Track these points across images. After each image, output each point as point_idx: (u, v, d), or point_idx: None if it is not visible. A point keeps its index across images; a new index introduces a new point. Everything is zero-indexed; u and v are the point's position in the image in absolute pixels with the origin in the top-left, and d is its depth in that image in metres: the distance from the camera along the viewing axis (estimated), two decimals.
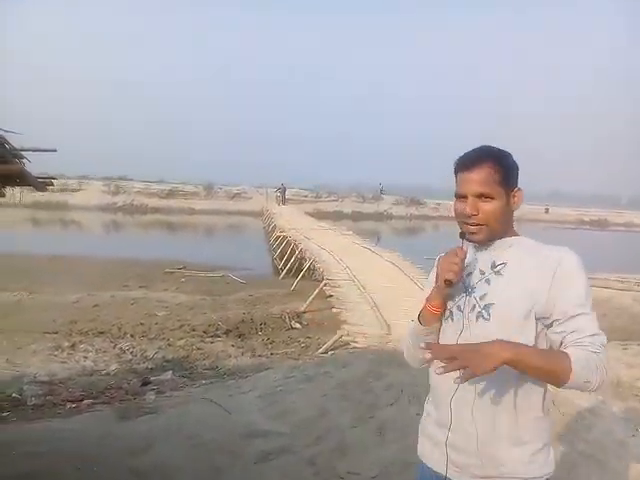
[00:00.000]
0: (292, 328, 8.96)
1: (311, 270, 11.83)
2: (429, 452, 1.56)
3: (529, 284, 1.40)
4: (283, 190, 37.61)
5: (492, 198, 1.45)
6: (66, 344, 6.95)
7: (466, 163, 1.48)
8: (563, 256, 1.41)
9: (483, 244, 1.51)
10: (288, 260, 14.52)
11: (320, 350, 6.64)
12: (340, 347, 6.02)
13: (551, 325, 1.38)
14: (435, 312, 1.49)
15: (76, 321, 8.57)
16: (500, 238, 1.50)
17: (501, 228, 1.49)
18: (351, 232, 18.33)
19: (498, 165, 1.47)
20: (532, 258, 1.44)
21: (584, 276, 1.39)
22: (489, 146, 1.52)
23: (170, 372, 5.74)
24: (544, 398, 1.44)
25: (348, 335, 5.77)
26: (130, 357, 6.59)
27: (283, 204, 35.92)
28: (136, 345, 7.06)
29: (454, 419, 1.46)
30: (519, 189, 1.50)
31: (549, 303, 1.37)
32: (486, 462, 1.44)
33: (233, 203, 46.98)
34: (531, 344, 1.36)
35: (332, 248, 12.99)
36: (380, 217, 48.69)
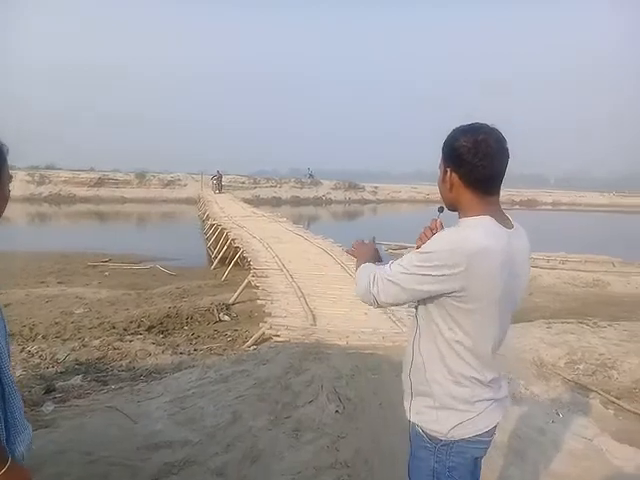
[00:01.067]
0: (220, 321, 8.63)
1: (243, 259, 11.51)
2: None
3: None
4: (219, 177, 36.49)
5: (438, 175, 1.67)
6: None
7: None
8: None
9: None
10: (221, 249, 14.10)
11: (247, 343, 6.38)
12: (265, 341, 5.77)
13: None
14: None
15: None
16: (460, 217, 1.62)
17: (445, 201, 1.67)
18: (285, 218, 18.02)
19: (442, 145, 1.63)
20: None
21: (435, 244, 1.55)
22: (464, 126, 1.60)
23: (79, 376, 5.31)
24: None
25: (271, 329, 5.52)
26: (38, 361, 6.07)
27: (219, 191, 35.04)
28: (47, 347, 6.53)
29: None
30: (447, 169, 1.61)
31: None
32: None
33: (167, 191, 45.67)
34: None
35: (263, 235, 12.67)
36: (319, 202, 48.65)
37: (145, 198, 42.52)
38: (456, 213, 1.67)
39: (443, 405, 1.61)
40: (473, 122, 1.59)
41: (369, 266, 1.76)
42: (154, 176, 46.87)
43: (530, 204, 57.33)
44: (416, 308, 1.70)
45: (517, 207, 54.89)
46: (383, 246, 17.33)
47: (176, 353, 6.55)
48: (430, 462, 1.66)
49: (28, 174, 46.13)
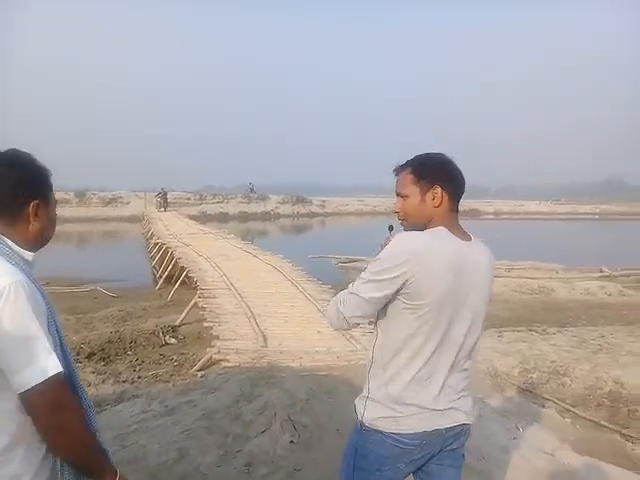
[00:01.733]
0: (166, 344, 8.23)
1: (189, 278, 11.11)
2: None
3: None
4: (164, 194, 35.53)
5: (407, 197, 1.78)
6: None
7: (395, 170, 1.84)
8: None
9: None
10: (165, 269, 13.62)
11: (195, 368, 6.06)
12: (213, 365, 5.47)
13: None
14: None
15: None
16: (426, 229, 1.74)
17: (418, 221, 1.76)
18: (232, 235, 17.67)
19: (416, 169, 1.77)
20: None
21: (383, 252, 1.69)
22: (425, 154, 1.81)
23: None
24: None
25: (219, 353, 5.22)
26: None
27: (164, 209, 33.97)
28: None
29: None
30: (436, 187, 1.73)
31: None
32: None
33: (109, 209, 44.28)
34: None
35: (210, 254, 12.30)
36: (267, 216, 48.31)
37: (86, 217, 41.00)
38: None
39: (371, 395, 1.74)
40: (432, 152, 1.83)
41: (339, 294, 1.82)
42: (94, 194, 45.38)
43: (473, 214, 58.88)
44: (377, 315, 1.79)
45: (461, 217, 56.21)
46: (333, 260, 17.25)
47: (118, 382, 6.16)
48: (353, 437, 1.82)
49: None
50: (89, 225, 38.29)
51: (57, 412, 1.31)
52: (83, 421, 1.40)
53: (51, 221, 1.51)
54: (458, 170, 1.78)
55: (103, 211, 43.16)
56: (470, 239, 1.77)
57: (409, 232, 1.74)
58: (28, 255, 1.44)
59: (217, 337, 5.93)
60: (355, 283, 1.73)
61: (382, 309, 1.72)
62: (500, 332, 8.49)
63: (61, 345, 1.40)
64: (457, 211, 1.78)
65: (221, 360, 5.10)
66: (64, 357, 1.40)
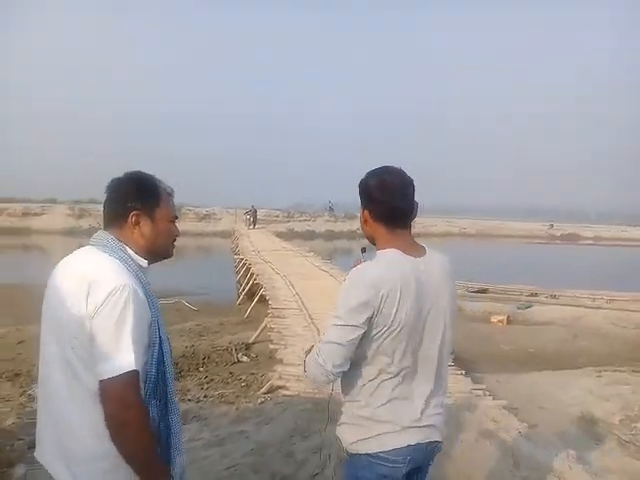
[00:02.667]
0: (238, 361, 8.12)
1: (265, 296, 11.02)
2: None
3: None
4: (254, 212, 35.39)
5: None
6: None
7: None
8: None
9: None
10: (247, 284, 13.67)
11: (262, 390, 5.83)
12: (279, 389, 5.19)
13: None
14: None
15: None
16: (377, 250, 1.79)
17: (367, 238, 1.85)
18: (312, 253, 17.53)
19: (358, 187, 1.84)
20: None
21: (344, 291, 1.70)
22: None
23: None
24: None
25: (280, 379, 4.94)
26: (36, 406, 5.66)
27: (253, 226, 34.00)
28: None
29: None
30: (363, 209, 1.81)
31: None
32: None
33: (203, 224, 45.95)
34: None
35: (287, 271, 12.17)
36: (353, 235, 48.16)
37: (181, 231, 42.76)
38: None
39: (350, 420, 1.75)
40: (382, 165, 1.81)
41: (313, 349, 1.80)
42: (190, 209, 47.25)
43: (571, 238, 55.53)
44: None
45: (558, 242, 53.19)
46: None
47: (184, 400, 6.04)
48: (346, 469, 1.82)
49: (68, 208, 47.27)
50: (183, 239, 39.75)
51: (122, 407, 1.44)
52: (145, 422, 1.49)
53: (159, 232, 1.67)
54: (386, 187, 1.75)
55: (197, 226, 44.82)
56: (424, 253, 1.79)
57: (363, 266, 1.75)
58: (143, 262, 1.63)
59: (280, 361, 5.66)
60: (328, 332, 1.72)
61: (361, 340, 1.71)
62: (599, 372, 7.61)
63: (161, 351, 1.55)
64: (404, 227, 1.79)
65: (281, 387, 4.81)
66: (160, 361, 1.54)
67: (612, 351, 9.58)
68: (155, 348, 1.53)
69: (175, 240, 1.78)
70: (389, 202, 1.74)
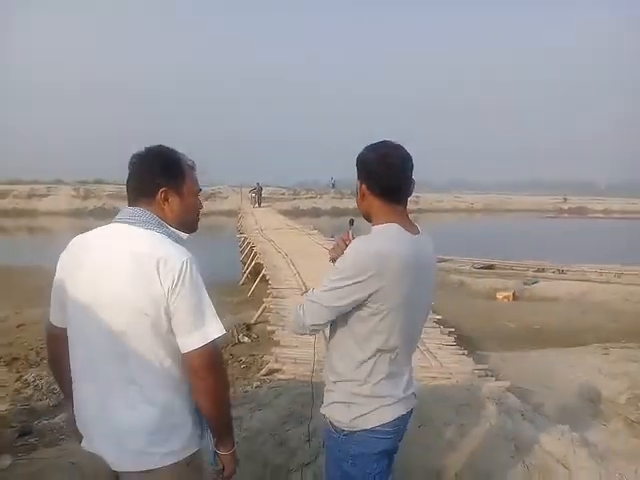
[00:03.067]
0: (239, 342, 8.03)
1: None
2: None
3: None
4: (259, 190, 34.69)
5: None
6: None
7: None
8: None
9: None
10: (250, 264, 13.55)
11: (261, 372, 5.71)
12: (277, 371, 5.06)
13: None
14: None
15: None
16: (373, 225, 1.78)
17: (362, 213, 1.84)
18: (316, 231, 17.35)
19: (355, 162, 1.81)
20: None
21: (346, 258, 1.70)
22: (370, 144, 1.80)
23: (64, 415, 4.74)
24: None
25: (276, 361, 4.81)
26: (32, 392, 5.59)
27: (258, 205, 33.33)
28: (46, 375, 6.05)
29: None
30: (359, 181, 1.80)
31: None
32: None
33: (209, 203, 45.86)
34: None
35: (289, 249, 12.01)
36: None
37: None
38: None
39: (345, 399, 1.74)
40: (379, 141, 1.77)
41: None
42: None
43: (580, 212, 55.00)
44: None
45: (566, 215, 52.67)
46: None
47: None
48: (335, 450, 1.81)
49: (73, 189, 47.26)
50: None
51: (212, 372, 1.53)
52: (228, 381, 1.64)
53: (187, 207, 1.70)
54: (386, 162, 1.73)
55: (203, 205, 44.70)
56: (418, 231, 1.80)
57: (363, 239, 1.72)
58: (184, 235, 1.69)
59: (277, 343, 5.53)
60: (315, 291, 1.74)
61: (350, 320, 1.72)
62: (606, 348, 7.44)
63: None
64: (399, 203, 1.77)
65: (277, 370, 4.68)
66: None
67: (620, 327, 9.40)
68: None
69: (199, 214, 1.82)
70: (389, 176, 1.73)
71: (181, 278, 1.49)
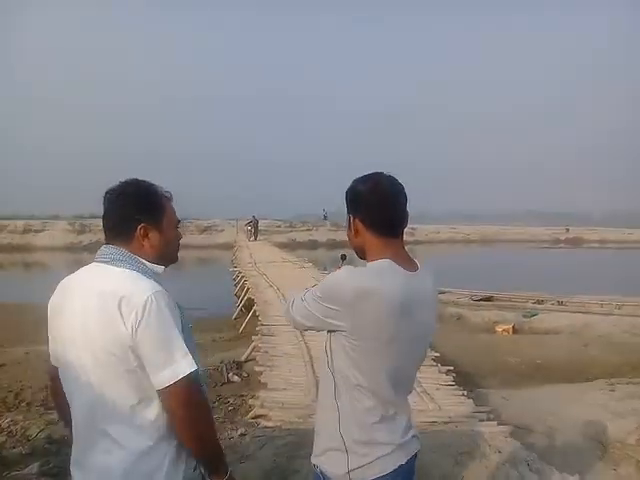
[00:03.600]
0: (229, 382, 7.69)
1: None
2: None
3: None
4: (255, 223, 33.01)
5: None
6: None
7: None
8: None
9: None
10: (243, 298, 13.27)
11: (249, 415, 5.39)
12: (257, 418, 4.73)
13: None
14: None
15: None
16: (369, 262, 1.67)
17: (356, 249, 1.74)
18: (311, 264, 17.11)
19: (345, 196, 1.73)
20: None
21: (333, 279, 1.62)
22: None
23: (36, 464, 4.41)
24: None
25: (262, 407, 4.49)
26: (4, 439, 5.22)
27: (254, 238, 31.87)
28: (21, 420, 5.69)
29: None
30: (350, 216, 1.71)
31: None
32: None
33: (204, 237, 45.69)
34: None
35: (282, 283, 11.73)
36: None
37: (182, 244, 42.45)
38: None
39: (340, 448, 1.62)
40: (370, 172, 1.70)
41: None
42: (191, 222, 46.95)
43: (576, 242, 54.92)
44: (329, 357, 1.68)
45: (562, 245, 52.60)
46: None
47: None
48: None
49: (69, 223, 47.11)
50: (184, 252, 39.22)
51: (187, 408, 1.49)
52: (211, 416, 1.60)
53: (167, 241, 1.67)
54: (379, 193, 1.66)
55: (198, 239, 44.48)
56: (416, 267, 1.70)
57: (349, 270, 1.62)
58: (159, 269, 1.65)
59: (265, 385, 5.22)
60: (307, 293, 1.69)
61: (336, 353, 1.63)
62: (612, 384, 7.14)
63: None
64: (395, 236, 1.68)
65: (262, 416, 4.36)
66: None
67: (625, 360, 9.09)
68: (189, 343, 1.55)
69: (179, 244, 1.77)
70: (382, 209, 1.65)
71: (145, 314, 1.45)
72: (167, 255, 1.69)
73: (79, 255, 38.76)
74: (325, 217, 52.67)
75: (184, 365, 1.48)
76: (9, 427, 5.59)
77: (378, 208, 1.65)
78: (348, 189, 1.71)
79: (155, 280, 1.57)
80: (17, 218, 48.15)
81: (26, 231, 45.53)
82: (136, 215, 1.62)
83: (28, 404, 6.62)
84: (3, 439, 5.29)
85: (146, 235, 1.63)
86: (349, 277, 1.59)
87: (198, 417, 1.51)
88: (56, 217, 50.84)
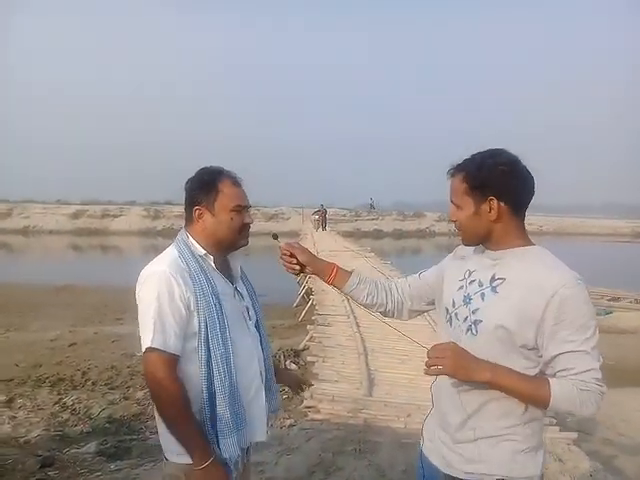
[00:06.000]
0: (286, 369, 7.69)
1: None
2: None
3: (521, 310, 1.41)
4: (323, 212, 30.65)
5: (460, 207, 1.53)
6: (3, 398, 5.89)
7: (449, 171, 1.57)
8: (561, 286, 1.39)
9: (483, 249, 1.56)
10: (304, 286, 13.30)
11: (303, 404, 5.35)
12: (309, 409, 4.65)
13: (541, 357, 1.43)
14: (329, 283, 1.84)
15: (41, 364, 7.55)
16: (506, 247, 1.50)
17: (475, 235, 1.54)
18: (373, 253, 16.87)
19: (469, 176, 1.50)
20: (532, 280, 1.42)
21: (582, 309, 1.40)
22: (483, 153, 1.51)
23: (94, 443, 4.56)
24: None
25: (312, 398, 4.41)
26: (67, 417, 5.44)
27: (323, 229, 29.38)
28: (85, 399, 5.93)
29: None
30: (492, 199, 1.47)
31: (538, 335, 1.40)
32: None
33: (271, 224, 46.25)
34: (517, 368, 1.43)
35: None
36: (422, 234, 46.94)
37: (250, 232, 43.21)
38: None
39: (530, 443, 1.48)
40: (496, 148, 1.53)
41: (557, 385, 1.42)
42: (258, 210, 47.64)
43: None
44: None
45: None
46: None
47: None
48: None
49: (144, 209, 48.99)
50: (250, 240, 40.12)
51: (151, 381, 1.60)
52: (173, 399, 1.59)
53: (220, 224, 1.75)
54: (522, 174, 1.50)
55: (265, 226, 45.11)
56: None
57: (568, 270, 1.46)
58: (201, 251, 1.74)
59: (316, 376, 5.14)
60: (583, 361, 1.40)
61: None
62: None
63: (208, 351, 1.64)
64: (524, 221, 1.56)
65: (312, 407, 4.28)
66: (208, 360, 1.64)
67: None
68: (201, 338, 1.63)
69: (244, 229, 1.80)
70: (531, 192, 1.52)
71: (138, 289, 1.66)
72: (220, 238, 1.76)
73: (153, 240, 40.26)
74: (372, 206, 51.93)
75: (148, 340, 1.60)
76: (73, 405, 5.84)
77: (527, 190, 1.52)
78: (487, 163, 1.49)
79: (198, 260, 1.70)
80: (96, 204, 50.51)
81: (104, 216, 47.65)
82: (193, 199, 1.76)
83: (93, 383, 6.86)
84: (67, 416, 5.53)
85: (200, 217, 1.75)
86: (577, 275, 1.45)
87: (158, 394, 1.60)
88: (132, 203, 52.93)
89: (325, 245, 19.38)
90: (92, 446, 4.53)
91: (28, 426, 5.12)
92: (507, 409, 1.47)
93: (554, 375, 1.42)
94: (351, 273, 1.84)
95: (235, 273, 1.86)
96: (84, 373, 7.22)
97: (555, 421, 4.33)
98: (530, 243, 1.53)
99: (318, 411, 4.12)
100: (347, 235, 32.07)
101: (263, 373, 1.84)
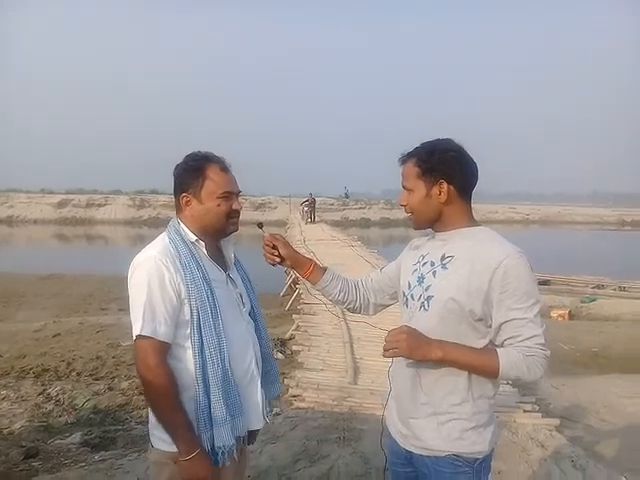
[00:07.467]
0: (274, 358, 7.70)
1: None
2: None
3: (469, 282, 1.51)
4: (312, 202, 28.37)
5: (411, 191, 1.64)
6: None
7: (401, 158, 1.68)
8: (505, 257, 1.50)
9: (434, 234, 1.68)
10: (291, 275, 13.28)
11: (288, 393, 5.36)
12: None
13: (489, 327, 1.54)
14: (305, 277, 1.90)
15: (25, 355, 7.48)
16: (454, 228, 1.61)
17: (426, 217, 1.64)
18: (359, 242, 16.91)
19: (421, 160, 1.61)
20: (478, 254, 1.53)
21: (525, 279, 1.51)
22: (433, 141, 1.63)
23: (79, 434, 4.53)
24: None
25: (297, 387, 4.43)
26: (52, 408, 5.41)
27: (312, 220, 27.33)
28: (70, 390, 5.89)
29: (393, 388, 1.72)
30: (442, 182, 1.58)
31: (486, 304, 1.51)
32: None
33: (258, 213, 46.10)
34: (467, 341, 1.53)
35: (329, 262, 11.61)
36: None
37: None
38: None
39: (478, 422, 1.58)
40: (441, 138, 1.65)
41: (505, 353, 1.52)
42: (246, 199, 47.49)
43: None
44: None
45: (629, 228, 50.13)
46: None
47: None
48: None
49: (130, 198, 48.61)
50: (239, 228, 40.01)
51: (141, 368, 1.61)
52: (162, 387, 1.58)
53: (207, 211, 1.73)
54: (469, 160, 1.62)
55: (252, 215, 44.96)
56: None
57: (512, 247, 1.56)
58: (192, 237, 1.73)
59: (302, 364, 5.16)
60: (536, 318, 1.52)
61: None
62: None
63: (201, 339, 1.63)
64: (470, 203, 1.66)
65: (297, 396, 4.30)
66: (200, 349, 1.63)
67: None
68: (193, 326, 1.62)
69: (233, 215, 1.77)
70: (475, 174, 1.64)
71: (129, 276, 1.66)
72: (208, 224, 1.74)
73: (139, 229, 40.00)
74: (347, 195, 51.99)
75: (138, 327, 1.60)
76: (58, 395, 5.80)
77: (473, 174, 1.64)
78: (437, 149, 1.61)
79: (180, 244, 1.69)
80: (81, 193, 50.04)
81: (89, 205, 47.25)
82: (180, 185, 1.75)
83: (78, 374, 6.81)
84: (51, 407, 5.49)
85: (188, 204, 1.74)
86: (521, 253, 1.54)
87: (146, 380, 1.60)
88: (118, 192, 52.52)
89: (312, 234, 19.39)
90: (77, 437, 4.51)
91: (12, 417, 5.08)
92: (452, 386, 1.56)
93: (502, 344, 1.52)
94: (326, 270, 1.90)
95: (228, 260, 1.84)
96: (69, 364, 7.16)
97: (538, 407, 4.38)
98: (476, 224, 1.64)
99: (303, 399, 4.14)
100: (335, 224, 32.05)
101: (259, 360, 1.81)
